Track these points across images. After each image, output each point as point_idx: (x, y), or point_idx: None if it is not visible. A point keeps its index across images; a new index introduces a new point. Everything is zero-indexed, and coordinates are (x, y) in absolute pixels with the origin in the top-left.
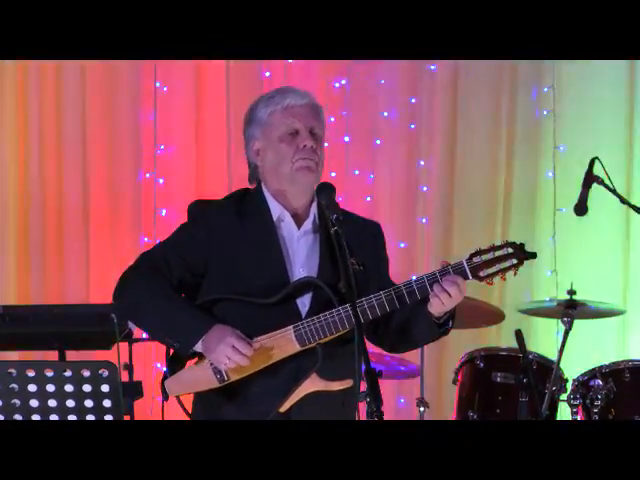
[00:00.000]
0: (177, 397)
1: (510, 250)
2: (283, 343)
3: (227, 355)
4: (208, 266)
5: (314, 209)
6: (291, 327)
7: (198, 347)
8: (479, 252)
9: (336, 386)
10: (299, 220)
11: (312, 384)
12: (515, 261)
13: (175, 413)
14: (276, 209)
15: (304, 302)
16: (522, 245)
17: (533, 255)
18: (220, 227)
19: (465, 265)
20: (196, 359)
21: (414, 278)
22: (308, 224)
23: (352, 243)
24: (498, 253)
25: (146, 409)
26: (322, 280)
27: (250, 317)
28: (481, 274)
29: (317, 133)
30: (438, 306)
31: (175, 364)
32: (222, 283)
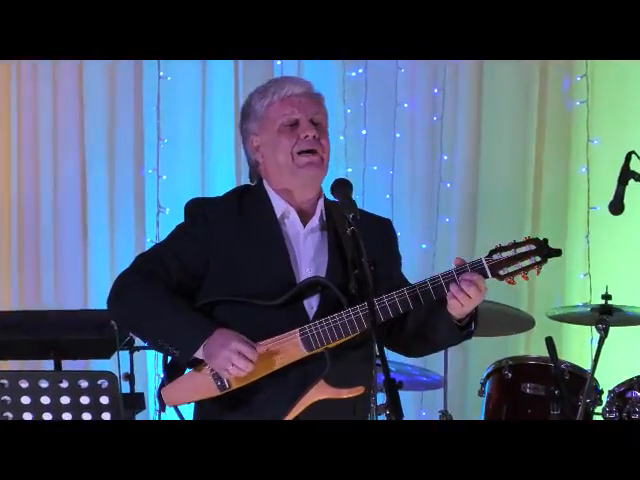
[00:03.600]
0: (175, 407)
1: (533, 247)
2: (289, 347)
3: (231, 361)
4: (208, 267)
5: (321, 205)
6: (297, 330)
7: (199, 354)
8: (499, 249)
9: (346, 394)
10: (305, 217)
11: (320, 392)
12: (538, 258)
13: None
14: (280, 205)
15: (311, 304)
16: (545, 241)
17: (557, 252)
18: (220, 226)
19: (484, 262)
20: (195, 365)
21: (426, 278)
22: (315, 221)
23: (364, 240)
24: (520, 250)
25: None
26: (331, 280)
27: (253, 320)
28: (501, 272)
29: (319, 122)
30: (457, 308)
31: (173, 371)
32: (223, 285)
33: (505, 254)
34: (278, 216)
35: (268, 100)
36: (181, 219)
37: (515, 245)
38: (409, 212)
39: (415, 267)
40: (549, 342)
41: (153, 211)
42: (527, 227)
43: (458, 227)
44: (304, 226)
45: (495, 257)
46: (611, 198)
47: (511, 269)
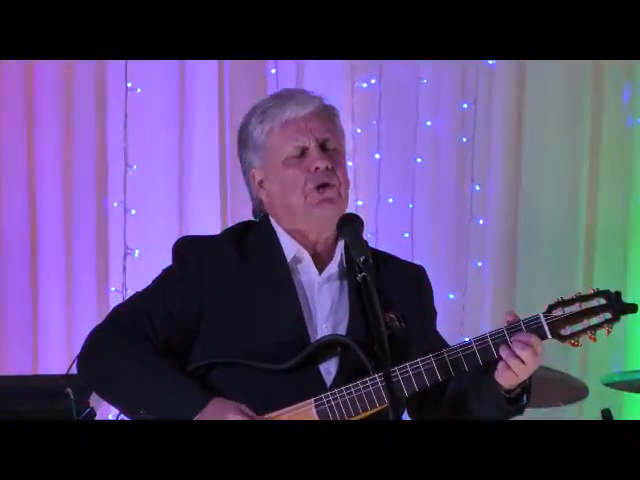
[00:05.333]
0: None
1: (602, 301)
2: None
3: None
4: (202, 322)
5: (341, 248)
6: (312, 401)
7: None
8: (561, 303)
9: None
10: (321, 262)
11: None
12: (609, 316)
13: None
14: (291, 247)
15: (329, 368)
16: (618, 295)
17: (633, 308)
18: (217, 271)
19: (542, 320)
20: None
21: (471, 338)
22: (333, 267)
23: (389, 292)
24: (586, 305)
25: None
26: (352, 339)
27: (258, 388)
28: (563, 332)
29: (334, 147)
30: (508, 376)
31: None
32: (221, 344)
33: (568, 309)
34: (288, 260)
35: (268, 126)
36: (154, 263)
37: (580, 298)
38: (432, 254)
39: (440, 323)
40: (606, 416)
41: (119, 254)
42: (579, 271)
43: (493, 273)
44: (320, 273)
45: (556, 313)
46: None
47: (576, 328)
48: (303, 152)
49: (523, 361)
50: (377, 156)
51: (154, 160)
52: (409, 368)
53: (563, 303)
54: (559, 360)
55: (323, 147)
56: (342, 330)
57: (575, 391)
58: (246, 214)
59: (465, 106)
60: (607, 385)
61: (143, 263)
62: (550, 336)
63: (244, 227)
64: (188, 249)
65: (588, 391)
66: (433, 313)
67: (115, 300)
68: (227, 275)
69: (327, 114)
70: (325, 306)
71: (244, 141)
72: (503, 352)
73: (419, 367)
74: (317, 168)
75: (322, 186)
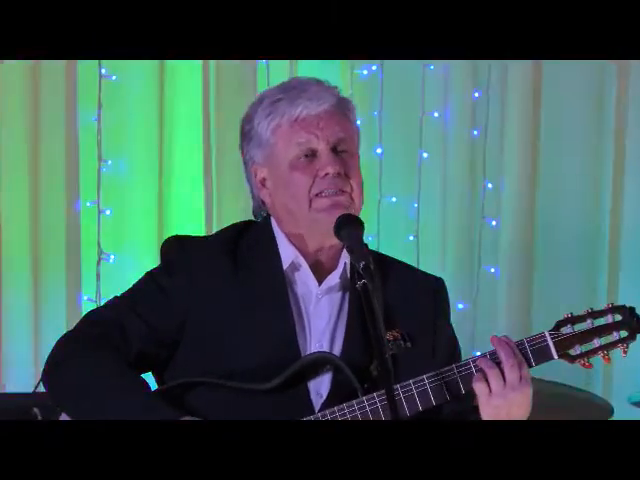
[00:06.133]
0: None
1: (618, 317)
2: None
3: None
4: (184, 333)
5: (345, 257)
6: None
7: None
8: (570, 319)
9: None
10: (321, 271)
11: None
12: (625, 334)
13: None
14: (288, 253)
15: (319, 389)
16: (632, 310)
17: None
18: (206, 277)
19: (548, 338)
20: None
21: (468, 358)
22: (334, 278)
23: (396, 306)
24: (599, 322)
25: None
26: (346, 358)
27: (240, 411)
28: (572, 352)
29: (346, 149)
30: (488, 411)
31: None
32: (201, 359)
33: (578, 327)
34: (285, 267)
35: (275, 122)
36: (131, 269)
37: (592, 314)
38: (440, 259)
39: None
40: None
41: (92, 259)
42: (601, 283)
43: (507, 281)
44: (319, 284)
45: (564, 331)
46: None
47: (587, 347)
48: (312, 153)
49: (490, 388)
50: (379, 151)
51: (131, 154)
52: (413, 386)
53: (573, 320)
54: (579, 377)
55: (335, 150)
56: (338, 348)
57: (599, 411)
58: (235, 214)
59: (477, 95)
60: (634, 404)
61: (119, 269)
62: (557, 356)
63: (242, 228)
64: (175, 250)
65: (613, 411)
66: (448, 332)
67: (88, 310)
68: (217, 282)
69: (342, 110)
70: (321, 321)
71: (248, 134)
72: (475, 378)
73: (419, 386)
74: (327, 174)
75: (330, 195)
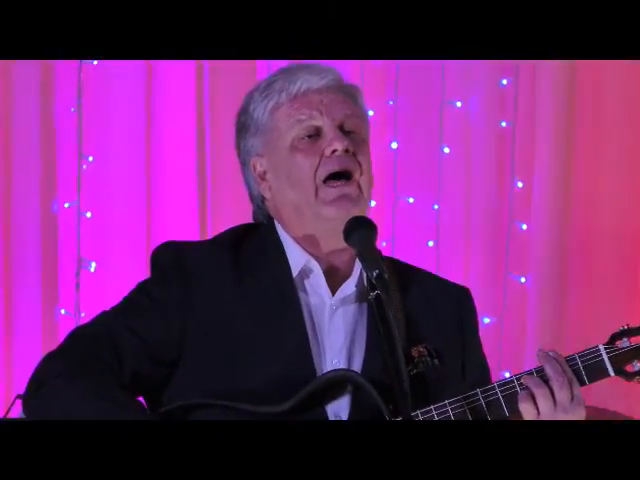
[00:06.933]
0: None
1: None
2: None
3: None
4: (183, 350)
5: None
6: None
7: None
8: (627, 332)
9: None
10: (335, 278)
11: None
12: None
13: None
14: (298, 258)
15: (337, 411)
16: None
17: None
18: (205, 288)
19: (603, 352)
20: None
21: (501, 380)
22: (350, 286)
23: (421, 319)
24: None
25: None
26: (367, 377)
27: None
28: (630, 369)
29: (354, 129)
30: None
31: None
32: (203, 379)
33: (636, 340)
34: (294, 274)
35: (273, 102)
36: (114, 279)
37: None
38: (463, 268)
39: None
40: None
41: (71, 267)
42: None
43: (538, 292)
44: (333, 293)
45: (621, 344)
46: None
47: None
48: (316, 132)
49: (537, 409)
50: (394, 145)
51: (115, 150)
52: (434, 412)
53: (630, 332)
54: (617, 399)
55: (342, 127)
56: (357, 366)
57: None
58: (233, 219)
59: (505, 82)
60: None
61: (101, 279)
62: (613, 373)
63: (243, 232)
64: (169, 258)
65: None
66: (476, 351)
67: (66, 325)
68: (217, 293)
69: (347, 91)
70: (337, 336)
71: (243, 125)
72: (519, 397)
73: (440, 411)
74: (334, 151)
75: (339, 176)
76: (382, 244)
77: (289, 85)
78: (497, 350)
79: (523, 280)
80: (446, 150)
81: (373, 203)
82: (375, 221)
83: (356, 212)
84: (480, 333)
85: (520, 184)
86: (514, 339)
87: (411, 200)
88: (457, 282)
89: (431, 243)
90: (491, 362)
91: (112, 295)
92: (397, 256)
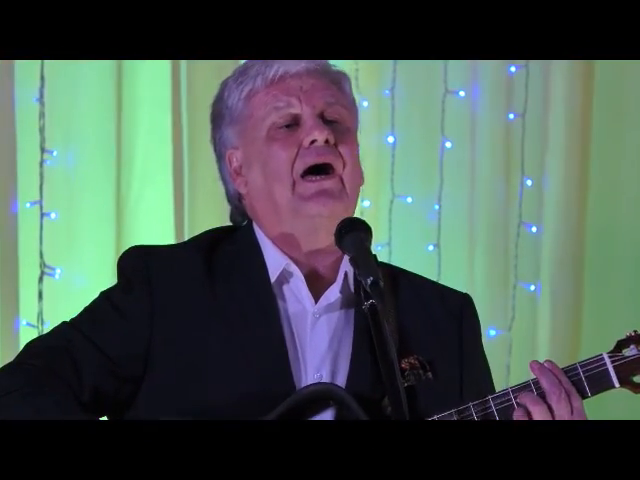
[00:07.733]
0: None
1: None
2: None
3: None
4: (149, 365)
5: (346, 266)
6: None
7: None
8: (633, 338)
9: None
10: (317, 284)
11: None
12: None
13: None
14: (276, 261)
15: None
16: None
17: None
18: (173, 294)
19: (607, 361)
20: None
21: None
22: (334, 292)
23: (413, 328)
24: None
25: None
26: (353, 391)
27: None
28: (637, 379)
29: (336, 118)
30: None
31: None
32: (171, 394)
33: None
34: (273, 280)
35: (249, 87)
36: (81, 287)
37: None
38: (466, 274)
39: None
40: None
41: (33, 274)
42: None
43: (551, 301)
44: (315, 300)
45: (628, 353)
46: None
47: None
48: (295, 121)
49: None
50: (390, 139)
51: (82, 144)
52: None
53: (638, 339)
54: (631, 409)
55: (323, 116)
56: (342, 379)
57: None
58: (211, 221)
59: (513, 69)
60: None
61: (67, 287)
62: (618, 384)
63: (218, 235)
64: (136, 264)
65: None
66: (477, 357)
67: (27, 338)
68: (187, 302)
69: (333, 78)
70: (320, 346)
71: (218, 115)
72: (516, 413)
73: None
74: (313, 141)
75: (318, 169)
76: (377, 248)
77: (265, 69)
78: (505, 365)
79: (533, 288)
80: (448, 145)
81: (367, 203)
82: (370, 223)
83: (339, 208)
84: (486, 347)
85: (530, 182)
86: (524, 354)
87: (409, 200)
88: (459, 290)
89: (431, 247)
90: (498, 379)
91: (78, 305)
92: (394, 261)
